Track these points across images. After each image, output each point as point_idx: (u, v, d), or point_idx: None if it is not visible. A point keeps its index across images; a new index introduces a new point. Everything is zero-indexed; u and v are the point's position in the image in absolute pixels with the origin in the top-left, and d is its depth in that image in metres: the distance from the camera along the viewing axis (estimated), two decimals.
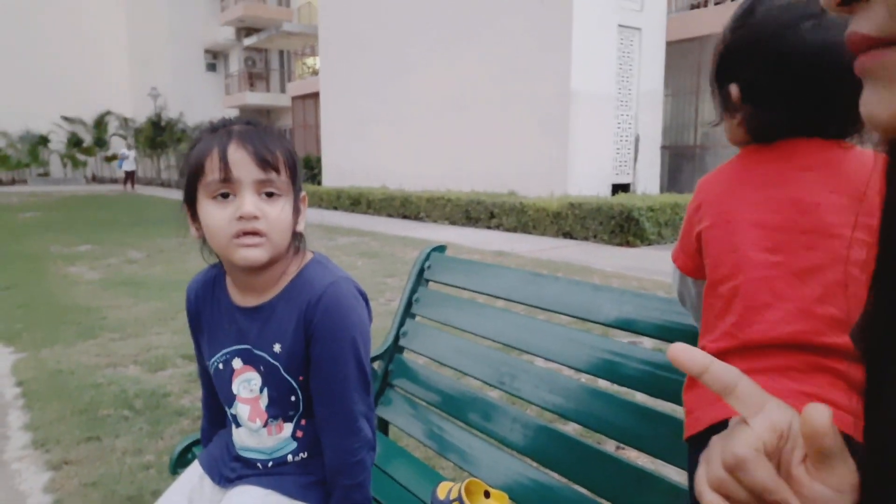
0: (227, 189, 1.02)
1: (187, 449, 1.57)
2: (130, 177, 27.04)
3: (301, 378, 1.11)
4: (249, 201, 1.01)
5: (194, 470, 1.26)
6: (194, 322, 1.23)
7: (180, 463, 1.55)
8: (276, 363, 1.10)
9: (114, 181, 32.98)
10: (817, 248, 0.87)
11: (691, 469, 0.97)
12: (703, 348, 0.99)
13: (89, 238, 10.12)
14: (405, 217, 13.63)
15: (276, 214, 1.04)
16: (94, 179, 33.12)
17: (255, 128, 1.06)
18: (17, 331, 4.62)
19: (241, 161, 1.01)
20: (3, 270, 7.21)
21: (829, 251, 0.87)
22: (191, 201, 1.08)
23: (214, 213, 1.03)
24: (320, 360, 1.09)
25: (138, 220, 13.50)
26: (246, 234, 1.02)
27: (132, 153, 27.63)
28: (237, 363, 1.14)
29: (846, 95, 0.80)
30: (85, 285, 6.38)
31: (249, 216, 1.01)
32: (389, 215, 14.12)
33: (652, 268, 7.28)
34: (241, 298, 1.15)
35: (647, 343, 3.43)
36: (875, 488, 0.47)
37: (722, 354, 0.93)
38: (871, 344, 0.43)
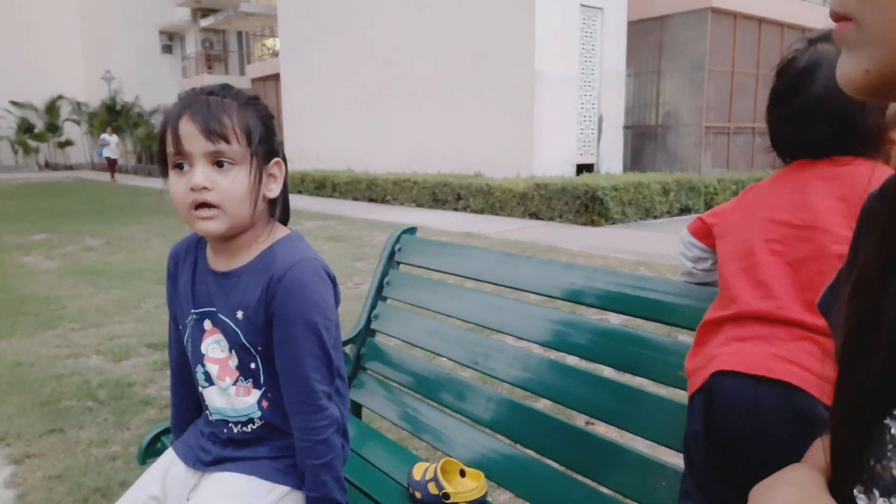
0: (181, 160, 1.07)
1: (156, 438, 1.55)
2: (112, 164, 23.79)
3: (260, 348, 1.13)
4: (199, 173, 1.06)
5: (166, 457, 1.25)
6: (172, 284, 1.25)
7: (149, 452, 1.53)
8: (237, 329, 1.13)
9: (68, 168, 31.91)
10: (811, 242, 1.01)
11: (687, 422, 1.07)
12: (706, 320, 1.12)
13: (45, 226, 9.81)
14: (371, 200, 13.54)
15: (227, 185, 1.07)
16: (48, 166, 31.92)
17: (214, 97, 1.08)
18: None
19: (189, 134, 1.05)
20: None
21: (818, 245, 1.01)
22: (165, 169, 1.12)
23: (174, 184, 1.09)
24: (281, 338, 1.10)
25: (95, 207, 13.12)
26: (199, 205, 1.07)
27: (114, 138, 24.05)
28: (207, 324, 1.17)
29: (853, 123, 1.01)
30: (42, 275, 6.20)
31: (198, 187, 1.05)
32: (355, 198, 14.01)
33: (616, 246, 7.38)
34: (216, 262, 1.18)
35: (614, 318, 3.49)
36: (839, 446, 0.49)
37: (718, 322, 1.07)
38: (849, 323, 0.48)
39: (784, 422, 0.91)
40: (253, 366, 1.14)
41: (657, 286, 1.28)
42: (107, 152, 23.69)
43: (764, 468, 0.63)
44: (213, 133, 1.04)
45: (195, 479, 1.20)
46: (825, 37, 1.08)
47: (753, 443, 0.94)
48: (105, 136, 24.07)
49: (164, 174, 1.12)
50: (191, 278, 1.20)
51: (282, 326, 1.09)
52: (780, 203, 1.09)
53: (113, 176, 23.51)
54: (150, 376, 3.38)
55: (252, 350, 1.13)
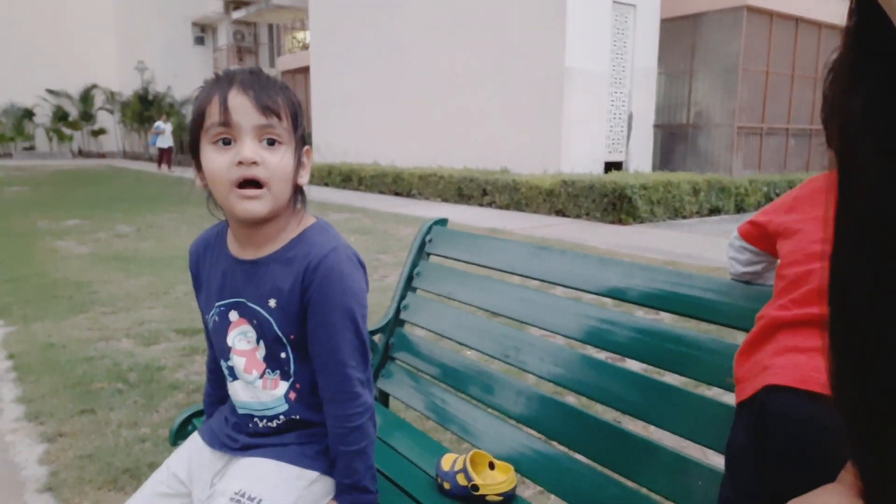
0: (227, 135, 1.02)
1: (187, 420, 1.56)
2: (166, 155, 21.65)
3: (292, 337, 1.11)
4: (249, 146, 1.02)
5: (192, 440, 1.26)
6: (196, 281, 1.24)
7: (180, 435, 1.54)
8: (270, 318, 1.10)
9: (101, 156, 32.53)
10: None
11: (730, 435, 1.03)
12: (761, 316, 1.07)
13: (77, 213, 10.00)
14: (397, 194, 13.56)
15: (276, 162, 1.04)
16: (81, 154, 32.61)
17: (257, 76, 1.06)
18: (7, 304, 4.57)
19: (241, 106, 1.01)
20: None
21: None
22: (195, 151, 1.08)
23: (215, 159, 1.03)
24: (318, 326, 1.08)
25: (126, 195, 13.35)
26: (246, 181, 1.02)
27: (168, 126, 21.74)
28: (233, 315, 1.14)
29: None
30: (74, 260, 6.32)
31: (248, 161, 1.01)
32: (381, 192, 14.05)
33: (645, 245, 7.29)
34: (240, 251, 1.15)
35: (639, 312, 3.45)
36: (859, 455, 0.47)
37: (773, 326, 1.02)
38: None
39: (845, 440, 0.87)
40: (283, 355, 1.12)
41: (698, 283, 1.25)
42: (161, 142, 21.63)
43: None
44: (266, 108, 1.02)
45: (221, 464, 1.19)
46: None
47: (812, 462, 0.88)
48: (160, 123, 21.84)
49: (194, 154, 1.08)
50: (215, 271, 1.17)
51: (319, 313, 1.07)
52: None
53: (170, 167, 21.63)
54: (179, 361, 3.42)
55: (284, 339, 1.11)
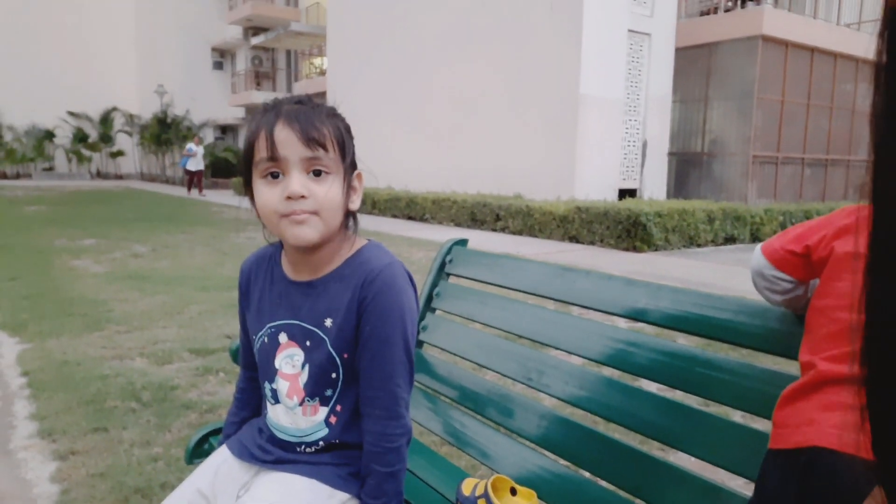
0: (275, 168, 1.04)
1: (204, 438, 1.54)
2: (196, 178, 21.05)
3: (346, 355, 1.10)
4: (296, 181, 1.03)
5: (219, 454, 1.24)
6: (244, 299, 1.23)
7: (197, 453, 1.52)
8: (325, 337, 1.10)
9: (118, 177, 32.98)
10: None
11: (762, 478, 0.98)
12: (809, 363, 0.98)
13: (94, 232, 10.10)
14: (410, 218, 13.60)
15: (323, 193, 1.04)
16: (99, 175, 33.07)
17: (303, 106, 1.07)
18: (23, 321, 4.59)
19: (286, 140, 1.03)
20: (8, 262, 7.19)
21: None
22: (248, 181, 1.10)
23: (264, 193, 1.05)
24: (370, 339, 1.08)
25: (142, 215, 13.49)
26: (295, 213, 1.03)
27: (200, 149, 21.08)
28: (283, 338, 1.14)
29: None
30: (90, 278, 6.36)
31: (296, 196, 1.02)
32: (394, 216, 14.10)
33: (660, 272, 7.23)
34: (295, 274, 1.15)
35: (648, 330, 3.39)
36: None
37: (830, 378, 0.94)
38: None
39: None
40: (334, 375, 1.11)
41: (728, 305, 1.22)
42: (191, 165, 20.97)
43: None
44: (311, 140, 1.03)
45: (248, 477, 1.17)
46: None
47: None
48: (191, 145, 20.98)
49: (246, 184, 1.09)
50: (268, 291, 1.18)
51: (373, 326, 1.07)
52: None
53: (201, 190, 21.12)
54: (192, 381, 3.41)
55: (337, 359, 1.10)
